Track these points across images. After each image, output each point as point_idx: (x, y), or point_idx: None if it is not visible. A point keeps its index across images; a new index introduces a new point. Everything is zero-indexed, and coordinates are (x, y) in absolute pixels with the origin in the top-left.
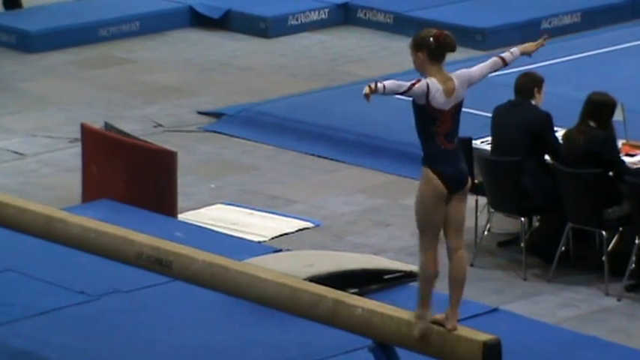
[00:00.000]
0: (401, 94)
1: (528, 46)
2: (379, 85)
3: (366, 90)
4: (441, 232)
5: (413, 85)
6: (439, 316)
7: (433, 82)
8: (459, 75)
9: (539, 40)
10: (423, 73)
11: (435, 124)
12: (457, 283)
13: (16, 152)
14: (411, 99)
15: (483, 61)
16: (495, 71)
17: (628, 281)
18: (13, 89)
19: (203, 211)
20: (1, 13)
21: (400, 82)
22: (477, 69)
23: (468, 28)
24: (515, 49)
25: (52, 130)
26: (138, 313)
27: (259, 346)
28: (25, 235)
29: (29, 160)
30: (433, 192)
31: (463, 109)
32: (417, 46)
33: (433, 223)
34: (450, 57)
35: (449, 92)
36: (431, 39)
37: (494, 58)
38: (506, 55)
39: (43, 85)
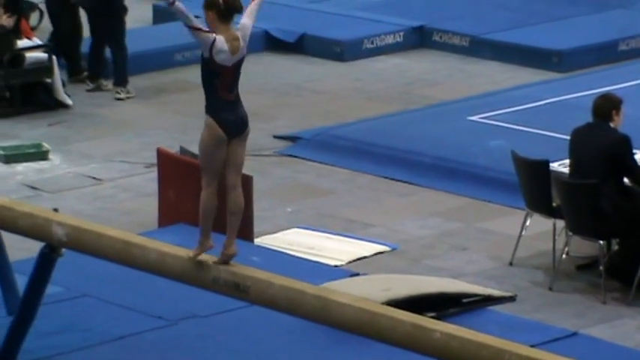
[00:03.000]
0: (187, 27)
1: None
2: (177, 2)
3: None
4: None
5: (201, 29)
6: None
7: (220, 40)
8: (243, 34)
9: None
10: (213, 30)
11: (218, 78)
12: (233, 216)
13: (93, 178)
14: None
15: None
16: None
17: None
18: (90, 115)
19: (279, 236)
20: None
21: (192, 17)
22: (249, 21)
23: (544, 50)
24: None
25: (129, 155)
26: (216, 338)
27: None
28: (102, 261)
29: (106, 185)
30: (214, 138)
31: (543, 132)
32: (208, 6)
33: (214, 165)
34: (524, 79)
35: (234, 50)
36: (221, 1)
37: (251, 5)
38: None
39: (120, 111)
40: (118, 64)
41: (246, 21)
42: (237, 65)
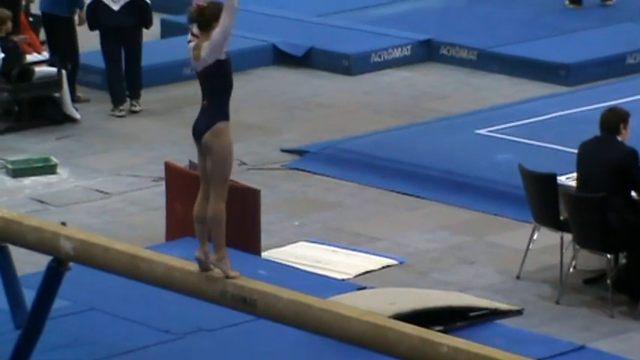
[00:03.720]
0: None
1: None
2: None
3: None
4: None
5: (191, 31)
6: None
7: (189, 46)
8: (209, 43)
9: None
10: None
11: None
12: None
13: (101, 191)
14: None
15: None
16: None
17: None
18: (99, 129)
19: (287, 249)
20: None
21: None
22: (217, 29)
23: (552, 63)
24: None
25: (137, 168)
26: (222, 352)
27: None
28: (110, 274)
29: (114, 199)
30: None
31: (551, 145)
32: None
33: (201, 171)
34: (532, 92)
35: (196, 58)
36: (191, 9)
37: (226, 4)
38: None
39: (128, 125)
40: (136, 76)
41: (216, 29)
42: (205, 74)
